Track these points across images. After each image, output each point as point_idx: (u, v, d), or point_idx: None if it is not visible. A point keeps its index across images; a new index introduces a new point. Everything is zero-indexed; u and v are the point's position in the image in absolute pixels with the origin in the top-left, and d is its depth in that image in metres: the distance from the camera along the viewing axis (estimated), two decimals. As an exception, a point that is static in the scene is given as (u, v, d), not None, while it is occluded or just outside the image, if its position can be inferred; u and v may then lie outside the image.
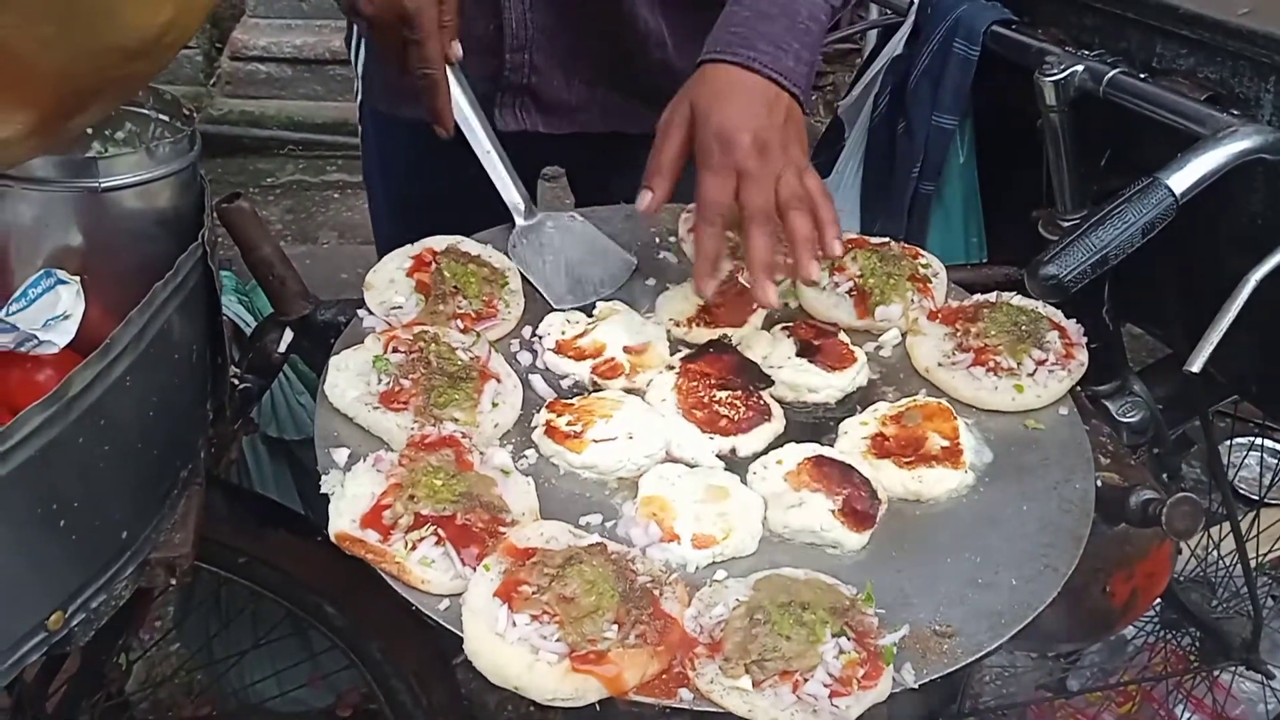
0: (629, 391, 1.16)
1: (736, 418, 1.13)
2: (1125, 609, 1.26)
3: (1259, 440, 2.23)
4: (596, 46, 1.43)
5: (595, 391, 1.16)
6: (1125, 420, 1.52)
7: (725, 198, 1.13)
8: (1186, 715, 2.13)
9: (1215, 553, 1.96)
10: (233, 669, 1.70)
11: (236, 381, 1.27)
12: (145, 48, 0.90)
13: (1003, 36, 1.44)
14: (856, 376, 1.20)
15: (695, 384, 1.16)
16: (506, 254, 1.32)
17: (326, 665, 1.68)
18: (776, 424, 1.15)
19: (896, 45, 1.57)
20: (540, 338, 1.22)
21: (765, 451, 1.11)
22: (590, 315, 1.25)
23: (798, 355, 1.21)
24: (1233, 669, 2.03)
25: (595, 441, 1.07)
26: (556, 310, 1.26)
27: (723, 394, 1.15)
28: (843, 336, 1.24)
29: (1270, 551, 2.05)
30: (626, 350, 1.20)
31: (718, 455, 1.11)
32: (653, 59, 1.45)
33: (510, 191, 1.31)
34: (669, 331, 1.25)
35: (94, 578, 1.02)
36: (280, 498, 1.72)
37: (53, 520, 0.94)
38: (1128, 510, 1.11)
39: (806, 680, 0.85)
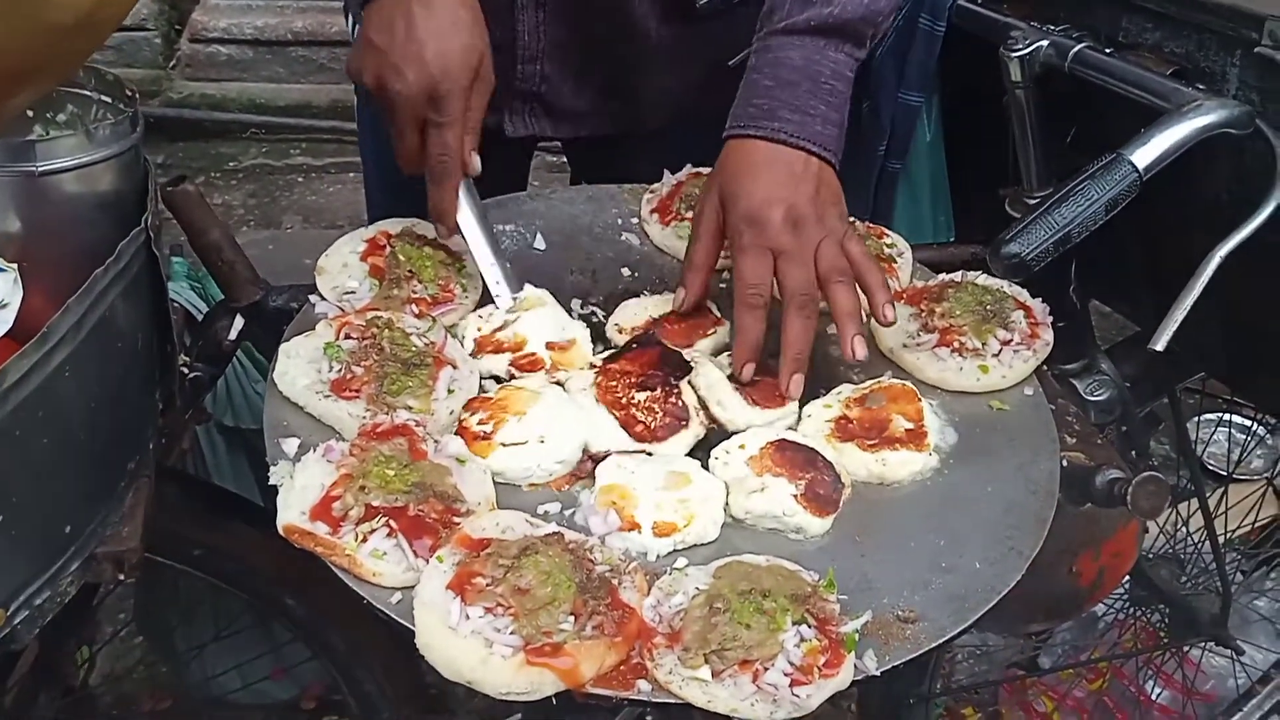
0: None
1: (653, 424, 1.08)
2: (1093, 588, 1.26)
3: (1226, 416, 2.24)
4: (606, 56, 1.41)
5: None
6: (1093, 399, 1.52)
7: (763, 278, 1.10)
8: (1157, 691, 2.14)
9: (1184, 529, 1.96)
10: (194, 662, 1.67)
11: (186, 370, 1.23)
12: (80, 23, 0.86)
13: (968, 11, 1.42)
14: (779, 419, 1.13)
15: (615, 383, 1.11)
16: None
17: (289, 657, 1.65)
18: (695, 429, 1.10)
19: (861, 21, 1.55)
20: (461, 336, 1.17)
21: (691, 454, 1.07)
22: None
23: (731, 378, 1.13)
24: (1202, 645, 2.04)
25: (504, 445, 1.03)
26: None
27: (641, 396, 1.10)
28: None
29: (1238, 527, 2.06)
30: (549, 346, 1.16)
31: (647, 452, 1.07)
32: (660, 68, 1.44)
33: (504, 295, 1.21)
34: (611, 336, 1.22)
35: (37, 574, 0.99)
36: (238, 488, 1.69)
37: (-11, 516, 0.91)
38: (1093, 490, 1.09)
39: (767, 669, 0.83)
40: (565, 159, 1.77)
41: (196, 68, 3.89)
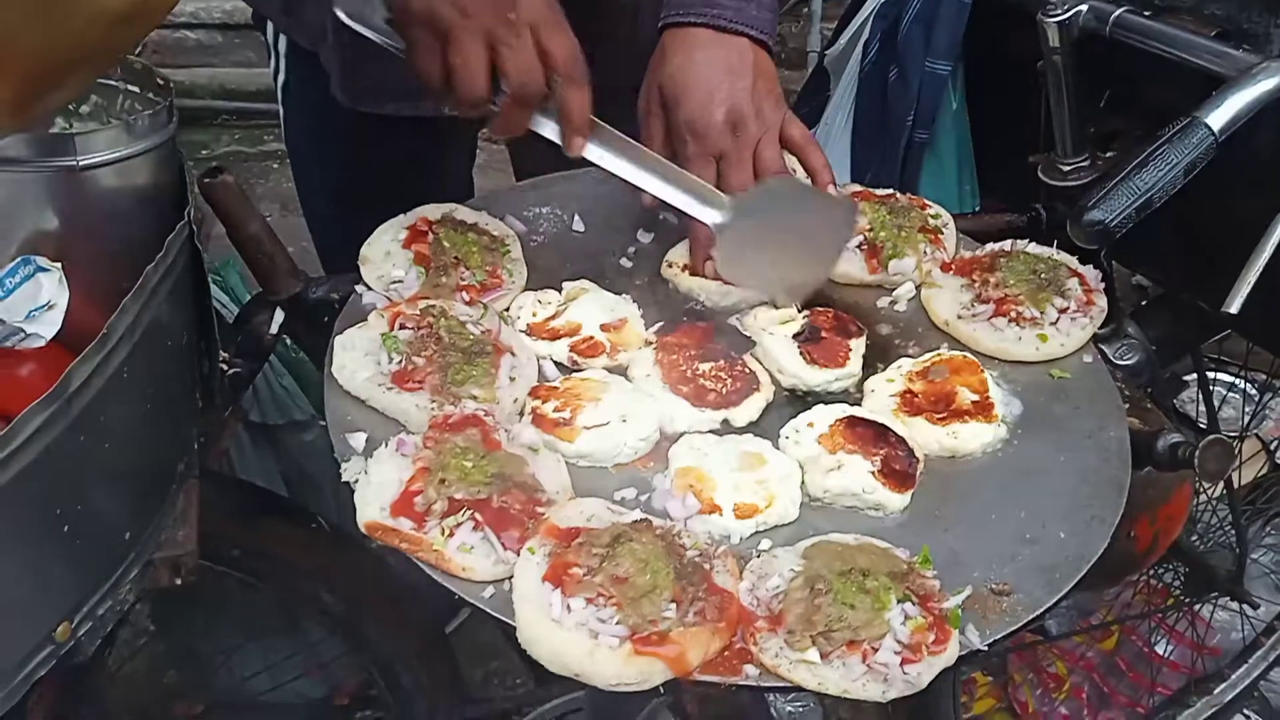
0: (610, 370, 1.11)
1: (724, 390, 1.09)
2: (1147, 553, 1.27)
3: (1236, 380, 2.27)
4: (571, 15, 1.36)
5: (575, 371, 1.11)
6: (1122, 363, 1.52)
7: (712, 178, 1.15)
8: (1168, 648, 2.17)
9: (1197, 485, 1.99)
10: (224, 666, 1.64)
11: (226, 367, 1.20)
12: (133, 11, 0.82)
13: (998, -22, 1.40)
14: (840, 379, 1.13)
15: (675, 357, 1.11)
16: (512, 220, 1.27)
17: (322, 655, 1.62)
18: (766, 392, 1.11)
19: (884, -9, 1.54)
20: (513, 321, 1.15)
21: (760, 421, 1.08)
22: (561, 294, 1.19)
23: (795, 337, 1.15)
24: (1213, 600, 2.07)
25: (587, 428, 1.02)
26: (529, 291, 1.19)
27: (706, 366, 1.10)
28: (850, 343, 1.15)
29: (1247, 485, 2.09)
30: (603, 328, 1.14)
31: (710, 431, 1.07)
32: (624, 24, 1.40)
33: (697, 206, 1.14)
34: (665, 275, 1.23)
35: (99, 584, 0.96)
36: (265, 484, 1.66)
37: (56, 526, 0.88)
38: (1155, 454, 1.10)
39: (876, 649, 0.82)
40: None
41: (165, 54, 3.78)
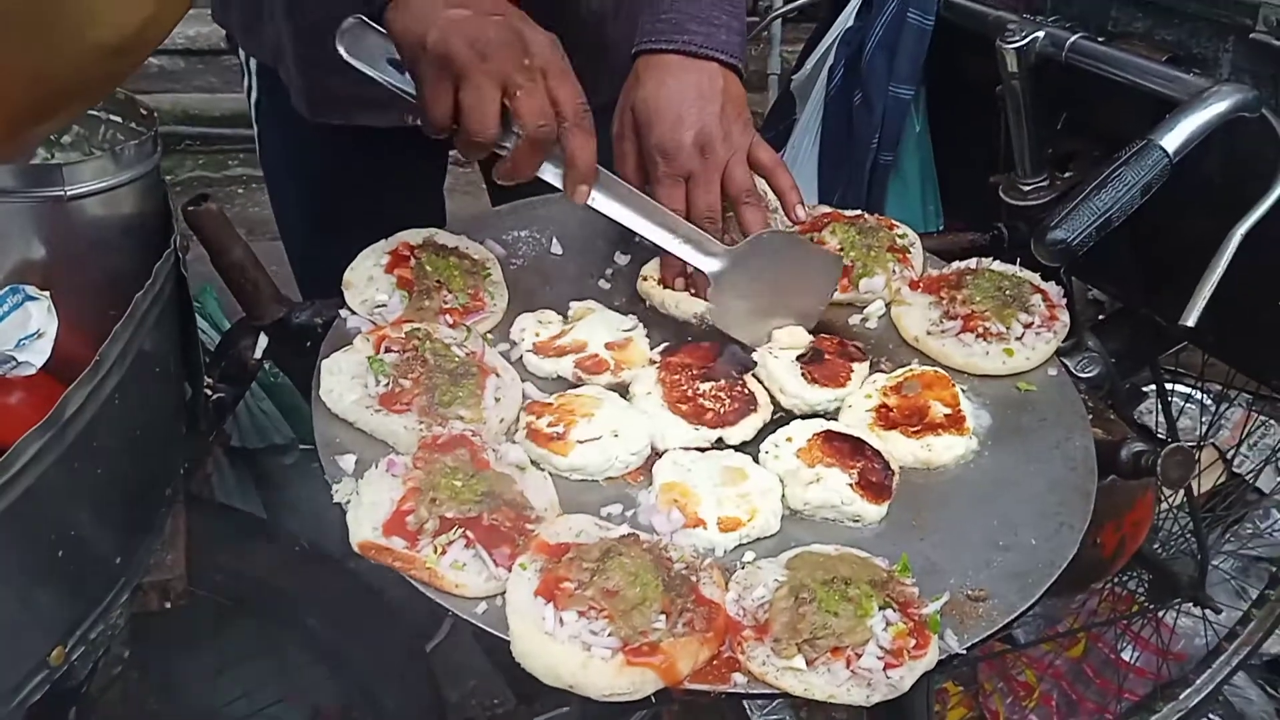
0: (612, 388, 1.14)
1: (722, 410, 1.11)
2: (1113, 559, 1.31)
3: (1192, 391, 2.33)
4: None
5: (576, 387, 1.14)
6: (1084, 375, 1.56)
7: (676, 205, 1.18)
8: (1134, 655, 2.22)
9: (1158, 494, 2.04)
10: (202, 692, 1.63)
11: (210, 392, 1.21)
12: (125, 45, 0.85)
13: (957, 6, 1.46)
14: (840, 398, 1.16)
15: (678, 377, 1.14)
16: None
17: (303, 679, 1.62)
18: (763, 413, 1.13)
19: (848, 18, 1.58)
20: (515, 342, 1.18)
21: (755, 440, 1.11)
22: (565, 316, 1.22)
23: (799, 358, 1.18)
24: (1175, 607, 2.12)
25: (580, 442, 1.04)
26: (525, 313, 1.21)
27: (706, 386, 1.13)
28: (854, 365, 1.18)
29: (1204, 494, 2.14)
30: (608, 347, 1.17)
31: (701, 449, 1.09)
32: (588, 38, 1.42)
33: (694, 255, 1.18)
34: (641, 290, 1.27)
35: (91, 608, 0.97)
36: (244, 508, 1.66)
37: (50, 552, 0.89)
38: (1119, 463, 1.14)
39: (860, 655, 0.85)
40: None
41: (128, 80, 3.79)
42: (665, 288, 1.26)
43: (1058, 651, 2.26)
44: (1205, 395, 2.43)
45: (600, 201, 1.14)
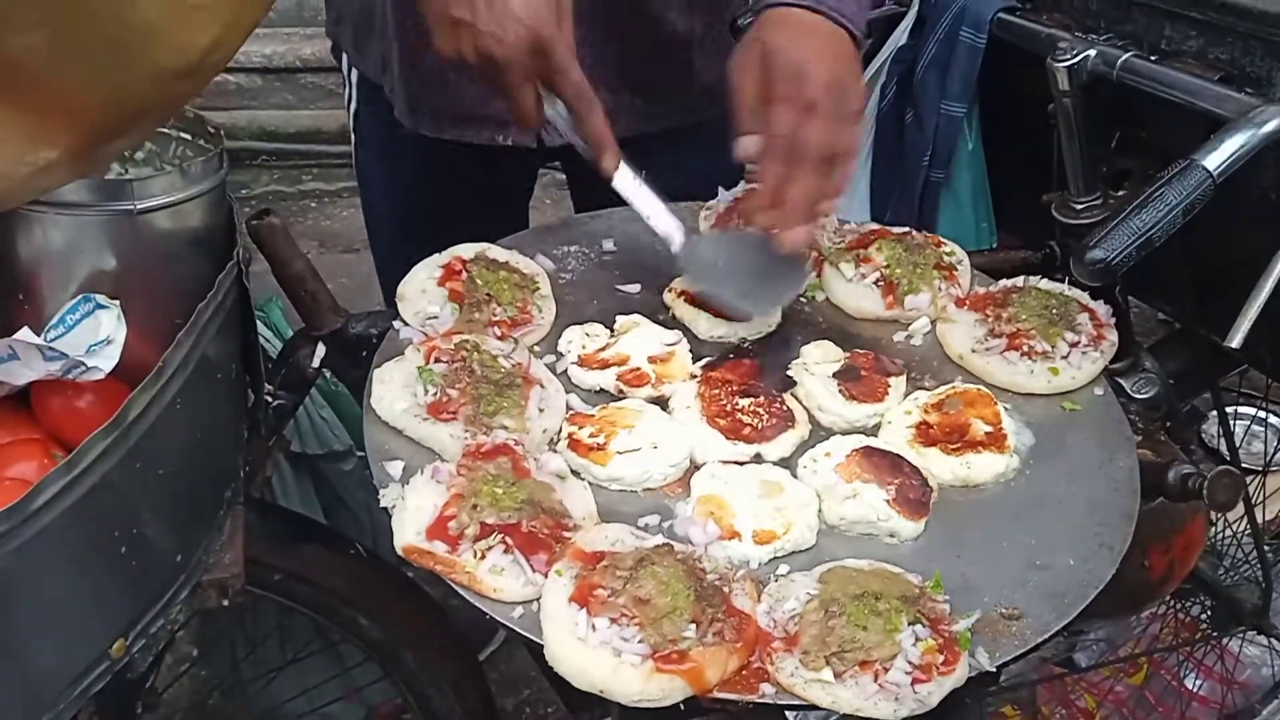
0: (653, 401, 1.16)
1: (760, 425, 1.12)
2: (1162, 582, 1.29)
3: (1262, 414, 2.28)
4: (621, 51, 1.43)
5: (619, 399, 1.16)
6: (1140, 396, 1.54)
7: (787, 128, 1.13)
8: (1197, 682, 2.17)
9: (1221, 520, 2.00)
10: (263, 689, 1.69)
11: (270, 399, 1.26)
12: (191, 68, 0.89)
13: (1010, 24, 1.45)
14: (878, 413, 1.17)
15: (717, 392, 1.15)
16: (537, 258, 1.32)
17: (359, 679, 1.67)
18: (801, 429, 1.14)
19: (900, 36, 1.59)
20: (562, 354, 1.21)
21: (791, 457, 1.12)
22: (611, 330, 1.25)
23: (835, 375, 1.19)
24: (1240, 635, 2.07)
25: (619, 453, 1.07)
26: (575, 325, 1.25)
27: (745, 401, 1.14)
28: (890, 380, 1.20)
29: (1276, 518, 2.09)
30: (651, 360, 1.19)
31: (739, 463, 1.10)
32: (677, 60, 1.46)
33: (667, 220, 1.25)
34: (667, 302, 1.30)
35: (152, 603, 1.01)
36: (304, 512, 1.71)
37: (114, 548, 0.94)
38: (1166, 485, 1.13)
39: (887, 669, 0.86)
40: (565, 175, 1.78)
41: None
42: (689, 304, 1.29)
43: (1119, 677, 2.22)
44: (1277, 417, 2.37)
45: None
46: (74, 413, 1.06)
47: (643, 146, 1.49)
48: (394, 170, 1.65)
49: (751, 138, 1.17)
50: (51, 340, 1.03)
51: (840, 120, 1.14)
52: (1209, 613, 2.03)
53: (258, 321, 1.60)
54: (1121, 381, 1.55)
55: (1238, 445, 2.23)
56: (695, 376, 1.18)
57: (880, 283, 1.30)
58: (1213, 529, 2.06)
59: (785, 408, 1.15)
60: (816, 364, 1.19)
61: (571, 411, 1.13)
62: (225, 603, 1.10)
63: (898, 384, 1.18)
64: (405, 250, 1.29)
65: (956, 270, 1.31)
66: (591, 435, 1.07)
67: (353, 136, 1.71)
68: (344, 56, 1.63)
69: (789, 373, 1.20)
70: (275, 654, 1.66)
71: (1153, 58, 1.28)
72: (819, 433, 1.15)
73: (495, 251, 1.29)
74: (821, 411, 1.16)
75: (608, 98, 1.45)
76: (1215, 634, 2.05)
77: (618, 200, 1.26)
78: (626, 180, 1.23)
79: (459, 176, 1.55)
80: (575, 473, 1.06)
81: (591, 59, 1.40)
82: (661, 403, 1.16)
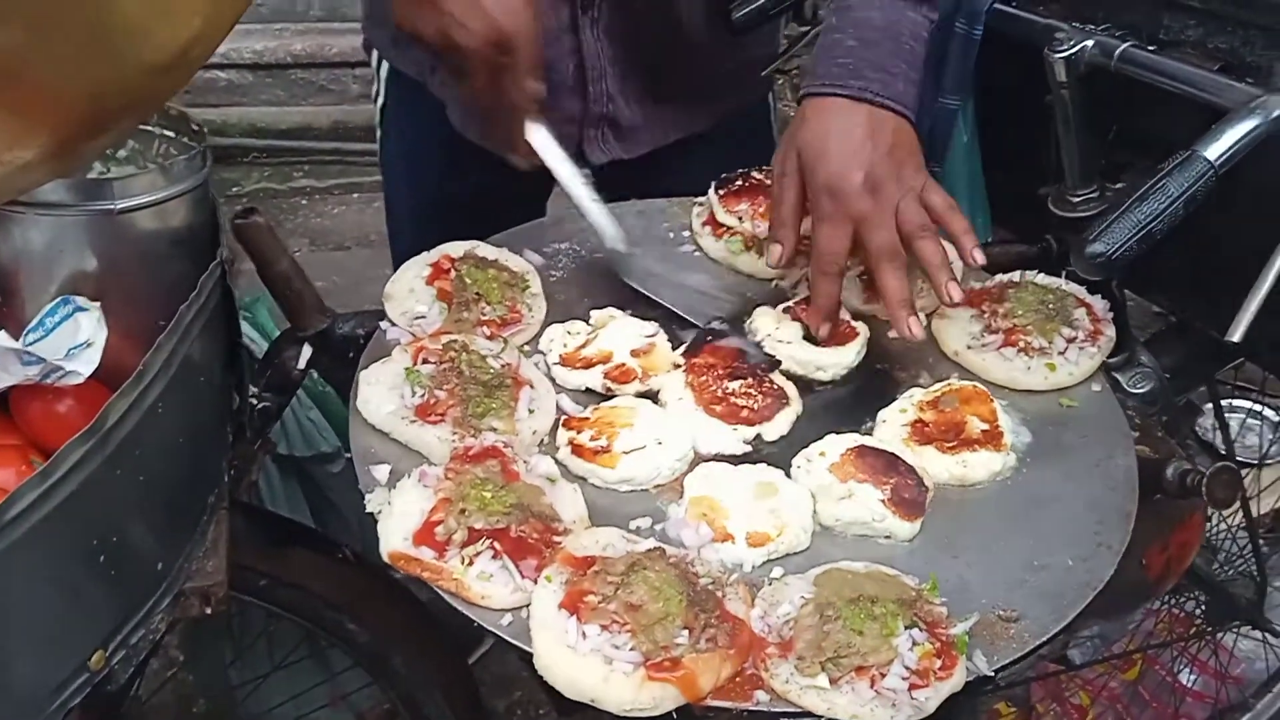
0: (642, 395, 1.15)
1: (756, 406, 1.13)
2: (1159, 580, 1.28)
3: (1257, 407, 2.26)
4: (653, 62, 1.44)
5: (608, 398, 1.14)
6: (1136, 391, 1.53)
7: (840, 246, 1.15)
8: (1191, 677, 2.16)
9: (1216, 514, 1.99)
10: (251, 696, 1.67)
11: (255, 401, 1.24)
12: (172, 64, 0.87)
13: (1006, 14, 1.43)
14: (860, 351, 1.21)
15: (705, 378, 1.15)
16: (525, 255, 1.31)
17: (346, 684, 1.65)
18: (795, 406, 1.15)
19: (894, 28, 1.56)
20: (544, 353, 1.19)
21: (790, 434, 1.12)
22: (589, 324, 1.23)
23: (804, 339, 1.21)
24: (1235, 629, 2.06)
25: (626, 454, 1.05)
26: (554, 324, 1.23)
27: (735, 384, 1.14)
28: (843, 314, 1.23)
29: (1270, 512, 2.08)
30: (633, 354, 1.18)
31: (744, 443, 1.11)
32: (700, 63, 1.47)
33: (609, 225, 1.26)
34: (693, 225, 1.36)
35: (132, 613, 0.99)
36: (292, 515, 1.69)
37: (93, 557, 0.91)
38: (1165, 482, 1.11)
39: (884, 675, 0.84)
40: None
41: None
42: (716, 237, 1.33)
43: (1113, 674, 2.21)
44: (1275, 411, 2.36)
45: (542, 143, 1.22)
46: (54, 418, 1.04)
47: (663, 157, 1.49)
48: (419, 165, 1.67)
49: (785, 249, 1.21)
50: (30, 344, 1.01)
51: (885, 217, 1.13)
52: (1203, 608, 2.02)
53: (244, 322, 1.59)
54: (1118, 376, 1.53)
55: (1233, 439, 2.22)
56: (679, 366, 1.17)
57: (863, 276, 1.28)
58: (1208, 524, 2.05)
59: (776, 386, 1.15)
60: (778, 330, 1.21)
61: (565, 416, 1.11)
62: (209, 611, 1.08)
63: (860, 327, 1.23)
64: (426, 243, 1.28)
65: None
66: (593, 438, 1.05)
67: (379, 131, 1.72)
68: (373, 51, 1.64)
69: (765, 349, 1.20)
70: (263, 660, 1.63)
71: (1151, 48, 1.26)
72: (810, 408, 1.16)
73: (485, 249, 1.27)
74: (821, 370, 1.19)
75: (638, 112, 1.45)
76: (1210, 629, 2.04)
77: (627, 198, 1.30)
78: (565, 169, 1.24)
79: (485, 172, 1.54)
80: (582, 478, 1.04)
81: (629, 74, 1.40)
82: (650, 396, 1.15)
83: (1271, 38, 1.18)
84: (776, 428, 1.12)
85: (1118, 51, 1.25)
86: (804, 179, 1.17)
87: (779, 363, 1.19)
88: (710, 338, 1.20)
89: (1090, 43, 1.27)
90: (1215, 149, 1.02)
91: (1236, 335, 1.04)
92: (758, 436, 1.11)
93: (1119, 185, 1.39)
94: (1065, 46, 1.28)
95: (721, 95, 1.55)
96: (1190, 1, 1.25)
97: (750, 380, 1.15)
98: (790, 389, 1.16)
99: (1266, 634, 2.02)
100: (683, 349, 1.20)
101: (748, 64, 1.55)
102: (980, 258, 1.16)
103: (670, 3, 1.42)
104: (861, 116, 1.15)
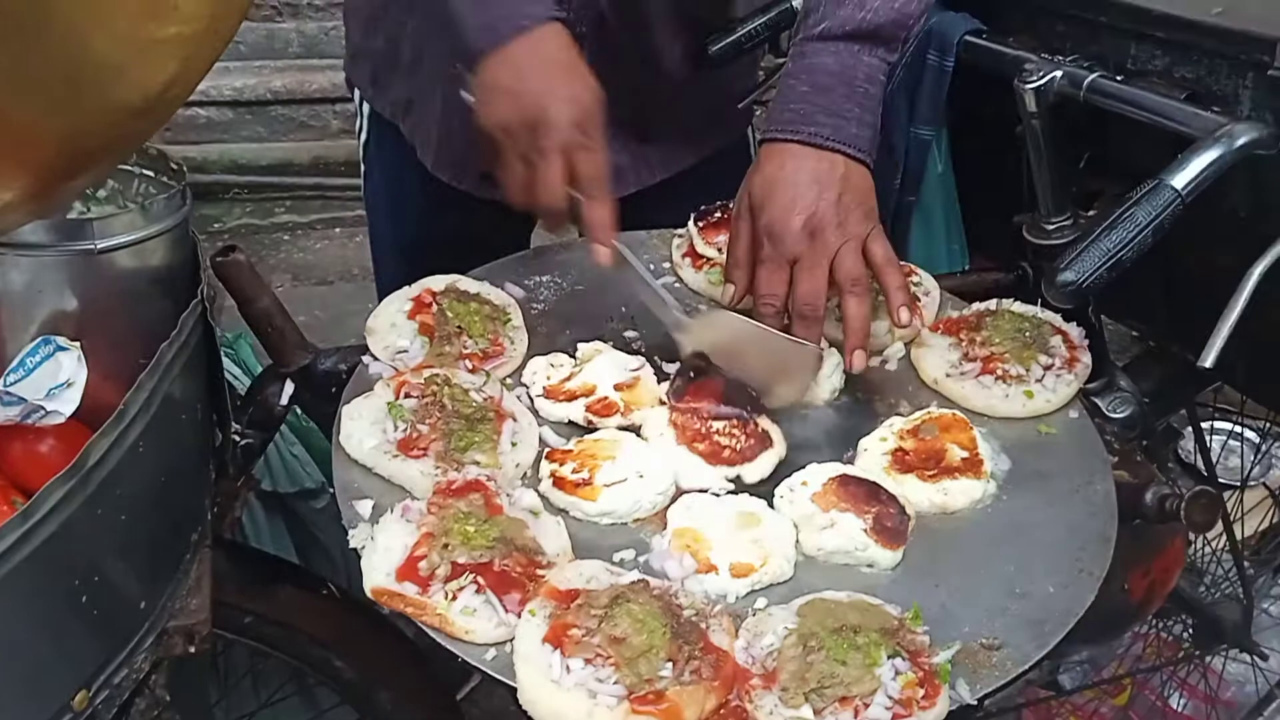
0: (624, 429, 1.14)
1: (739, 446, 1.12)
2: (1142, 605, 1.28)
3: (1238, 429, 2.28)
4: (637, 103, 1.45)
5: (590, 432, 1.14)
6: (1115, 416, 1.54)
7: (778, 289, 1.17)
8: (1181, 701, 2.16)
9: (1200, 538, 1.99)
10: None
11: (238, 437, 1.23)
12: (149, 105, 0.87)
13: (977, 46, 1.46)
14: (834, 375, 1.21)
15: (688, 416, 1.14)
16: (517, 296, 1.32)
17: (333, 721, 1.64)
18: (779, 448, 1.14)
19: (869, 60, 1.59)
20: (527, 386, 1.19)
21: (771, 476, 1.11)
22: (573, 356, 1.23)
23: None
24: (1224, 652, 2.06)
25: (607, 486, 1.05)
26: (537, 356, 1.23)
27: (719, 424, 1.14)
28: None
29: (1255, 534, 2.09)
30: (616, 388, 1.18)
31: (726, 480, 1.11)
32: (683, 102, 1.49)
33: (670, 311, 1.23)
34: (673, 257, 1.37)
35: (116, 652, 0.99)
36: (277, 552, 1.68)
37: (75, 596, 0.91)
38: (1143, 506, 1.12)
39: (868, 705, 0.84)
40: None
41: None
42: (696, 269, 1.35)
43: (1103, 699, 2.21)
44: (1256, 433, 2.38)
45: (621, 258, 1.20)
46: (35, 458, 1.04)
47: (647, 194, 1.50)
48: (402, 202, 1.68)
49: (738, 289, 1.23)
50: (10, 384, 1.01)
51: (818, 265, 1.15)
52: (1191, 631, 2.03)
53: (226, 358, 1.59)
54: (1097, 401, 1.55)
55: (1214, 461, 2.24)
56: (663, 402, 1.17)
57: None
58: (1192, 546, 2.06)
59: (760, 429, 1.14)
60: None
61: (548, 448, 1.11)
62: (192, 650, 1.07)
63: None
64: (410, 277, 1.29)
65: (921, 301, 1.30)
66: (575, 471, 1.05)
67: (362, 166, 1.74)
68: (355, 90, 1.66)
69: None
70: (249, 698, 1.62)
71: (1119, 78, 1.29)
72: (793, 452, 1.15)
73: (466, 283, 1.28)
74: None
75: (624, 153, 1.47)
76: (1198, 653, 2.04)
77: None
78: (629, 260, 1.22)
79: (466, 211, 1.56)
80: (564, 510, 1.04)
81: (613, 117, 1.41)
82: (633, 430, 1.15)
83: (1236, 66, 1.20)
84: (758, 470, 1.11)
85: (1086, 82, 1.27)
86: (753, 221, 1.19)
87: (764, 407, 1.17)
88: (694, 375, 1.19)
89: (1059, 73, 1.29)
90: (1182, 178, 1.04)
91: (1209, 360, 1.05)
92: (738, 477, 1.11)
93: (1092, 212, 1.41)
94: (1035, 77, 1.30)
95: (705, 133, 1.57)
96: (1157, 32, 1.27)
97: (734, 421, 1.14)
98: (775, 432, 1.15)
99: (1255, 657, 2.02)
100: (668, 388, 1.19)
101: (729, 100, 1.57)
102: (905, 318, 1.17)
103: (650, 43, 1.44)
104: (811, 162, 1.17)
